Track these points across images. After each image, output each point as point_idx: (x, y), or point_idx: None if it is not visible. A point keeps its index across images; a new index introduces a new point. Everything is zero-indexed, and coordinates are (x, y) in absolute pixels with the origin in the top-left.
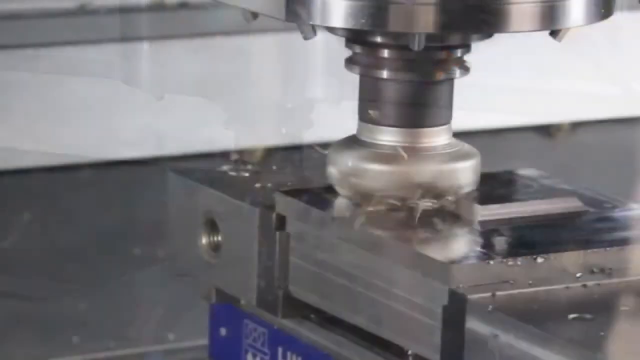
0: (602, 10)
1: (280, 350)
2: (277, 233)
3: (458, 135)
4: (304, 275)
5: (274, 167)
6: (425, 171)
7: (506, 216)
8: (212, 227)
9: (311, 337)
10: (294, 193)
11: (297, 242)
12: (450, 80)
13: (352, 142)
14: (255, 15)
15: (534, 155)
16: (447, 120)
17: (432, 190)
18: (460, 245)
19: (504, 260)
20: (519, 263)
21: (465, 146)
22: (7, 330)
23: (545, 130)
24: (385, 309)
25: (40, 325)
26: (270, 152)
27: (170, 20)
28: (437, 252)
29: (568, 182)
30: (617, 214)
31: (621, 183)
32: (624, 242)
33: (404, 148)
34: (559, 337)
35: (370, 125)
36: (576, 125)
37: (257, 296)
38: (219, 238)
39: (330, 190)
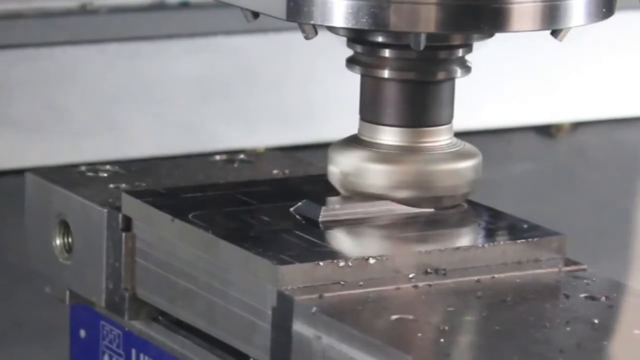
0: (604, 10)
1: (134, 352)
2: (123, 234)
3: (459, 135)
4: (149, 277)
5: (133, 168)
6: (426, 171)
7: (348, 217)
8: (65, 228)
9: (159, 339)
10: (139, 194)
11: (142, 243)
12: (452, 80)
13: (352, 142)
14: (256, 14)
15: (535, 154)
16: (448, 120)
17: (433, 190)
18: (294, 246)
19: (335, 261)
20: (350, 264)
21: (467, 146)
22: None
23: (546, 130)
24: (221, 310)
25: None
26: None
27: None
28: (269, 253)
29: None
30: (459, 214)
31: (621, 183)
32: (460, 242)
33: (406, 147)
34: (375, 338)
35: (371, 125)
36: (576, 125)
37: (106, 298)
38: (71, 239)
39: (178, 191)
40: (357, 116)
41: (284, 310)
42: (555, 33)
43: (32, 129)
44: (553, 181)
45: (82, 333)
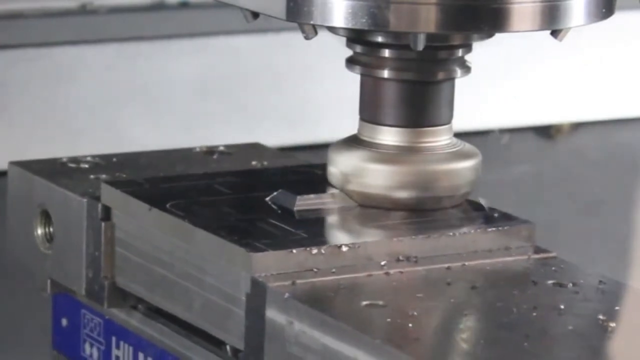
0: (604, 10)
1: (114, 340)
2: (103, 223)
3: (459, 135)
4: (128, 266)
5: (114, 160)
6: (426, 171)
7: (323, 206)
8: (46, 218)
9: (138, 327)
10: (118, 184)
11: (121, 232)
12: (451, 80)
13: (352, 142)
14: (256, 14)
15: (534, 155)
16: (447, 120)
17: (432, 190)
18: (269, 234)
19: (308, 248)
20: (322, 252)
21: (466, 146)
22: None
23: (545, 131)
24: (198, 298)
25: None
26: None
27: (171, 20)
28: (243, 241)
29: None
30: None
31: (621, 183)
32: (432, 231)
33: (405, 148)
34: (346, 323)
35: (371, 125)
36: (576, 126)
37: (86, 286)
38: (52, 229)
39: (156, 181)
40: (356, 116)
41: (257, 296)
42: (555, 33)
43: (32, 129)
44: (553, 182)
45: (64, 322)
